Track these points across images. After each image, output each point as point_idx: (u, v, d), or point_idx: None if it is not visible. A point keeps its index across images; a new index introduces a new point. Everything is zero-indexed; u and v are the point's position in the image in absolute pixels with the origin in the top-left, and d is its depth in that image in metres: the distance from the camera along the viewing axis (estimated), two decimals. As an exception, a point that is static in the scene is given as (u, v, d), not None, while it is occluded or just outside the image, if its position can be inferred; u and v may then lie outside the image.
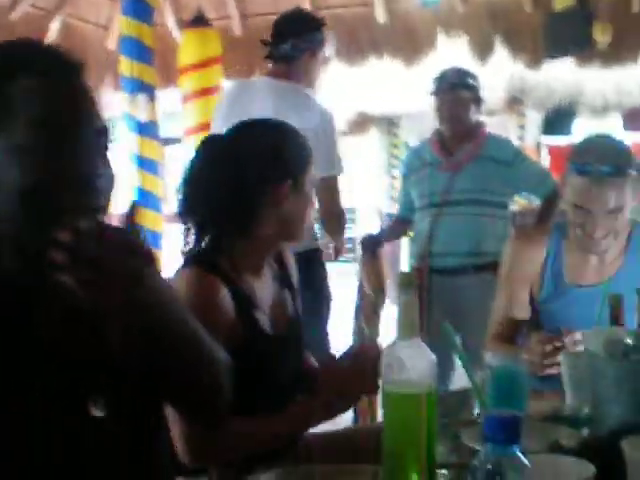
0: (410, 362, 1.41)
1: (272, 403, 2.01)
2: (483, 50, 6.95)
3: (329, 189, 3.64)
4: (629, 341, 1.67)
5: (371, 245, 4.52)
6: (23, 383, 1.33)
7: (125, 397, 1.41)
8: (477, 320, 3.17)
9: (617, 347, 1.67)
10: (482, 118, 4.59)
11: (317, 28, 3.89)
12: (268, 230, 2.11)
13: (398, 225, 4.89)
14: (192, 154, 2.18)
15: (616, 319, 1.97)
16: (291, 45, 3.76)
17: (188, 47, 6.61)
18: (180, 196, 2.15)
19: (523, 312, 2.72)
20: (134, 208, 1.48)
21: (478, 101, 4.39)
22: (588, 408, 1.74)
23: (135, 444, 1.44)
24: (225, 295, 2.00)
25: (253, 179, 2.07)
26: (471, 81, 4.37)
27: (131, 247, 1.29)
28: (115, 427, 1.39)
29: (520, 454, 0.99)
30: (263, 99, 3.67)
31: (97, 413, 1.37)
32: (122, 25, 6.43)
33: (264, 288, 2.16)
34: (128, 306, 1.29)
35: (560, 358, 2.03)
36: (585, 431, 1.69)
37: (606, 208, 2.40)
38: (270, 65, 3.98)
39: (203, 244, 2.13)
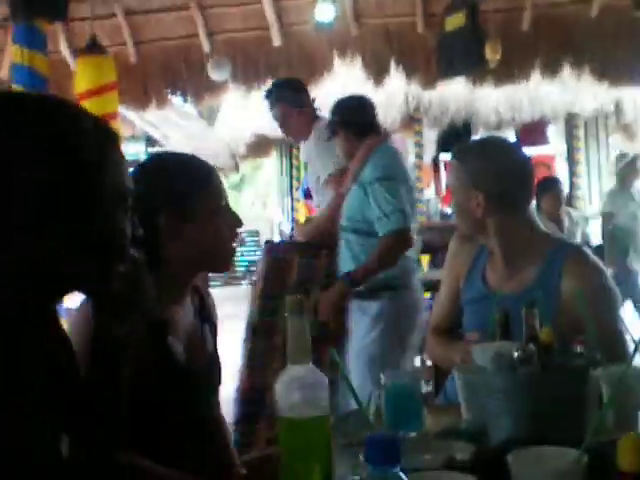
0: (304, 386, 1.45)
1: (175, 439, 1.97)
2: (378, 71, 7.06)
3: None
4: (516, 355, 1.71)
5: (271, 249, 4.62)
6: None
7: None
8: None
9: (505, 361, 1.71)
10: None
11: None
12: (177, 260, 2.08)
13: None
14: None
15: (504, 331, 2.00)
16: None
17: (83, 74, 6.52)
18: None
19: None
20: None
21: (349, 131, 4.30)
22: (481, 421, 1.77)
23: None
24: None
25: (146, 211, 2.05)
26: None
27: None
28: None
29: (401, 474, 1.01)
30: None
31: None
32: (14, 54, 6.32)
33: (184, 319, 2.13)
34: None
35: (454, 372, 2.05)
36: (478, 444, 1.71)
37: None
38: None
39: None
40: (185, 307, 2.15)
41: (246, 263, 15.26)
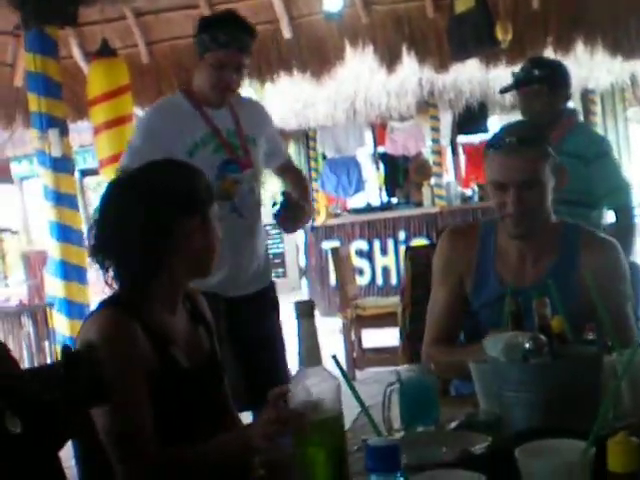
0: (317, 388, 1.50)
1: (192, 436, 2.03)
2: (390, 58, 7.05)
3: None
4: (527, 345, 1.71)
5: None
6: None
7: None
8: None
9: (516, 352, 1.72)
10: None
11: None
12: (180, 266, 2.15)
13: None
14: (103, 194, 2.20)
15: (517, 323, 2.00)
16: None
17: (96, 78, 6.57)
18: (92, 239, 2.16)
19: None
20: None
21: (553, 91, 4.12)
22: (497, 412, 1.78)
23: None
24: (139, 335, 2.04)
25: (163, 215, 2.10)
26: (540, 72, 4.14)
27: None
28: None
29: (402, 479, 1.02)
30: None
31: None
32: (27, 62, 6.37)
33: (179, 325, 2.20)
34: None
35: (470, 365, 2.05)
36: (495, 435, 1.72)
37: (519, 178, 2.40)
38: None
39: (119, 284, 2.15)
40: (178, 313, 2.22)
41: (270, 256, 15.27)
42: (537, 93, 4.10)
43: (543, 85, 4.09)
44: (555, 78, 4.14)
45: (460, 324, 2.66)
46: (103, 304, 2.13)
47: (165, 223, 2.10)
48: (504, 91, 4.50)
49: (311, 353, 1.51)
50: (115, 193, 2.18)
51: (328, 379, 1.49)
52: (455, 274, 2.63)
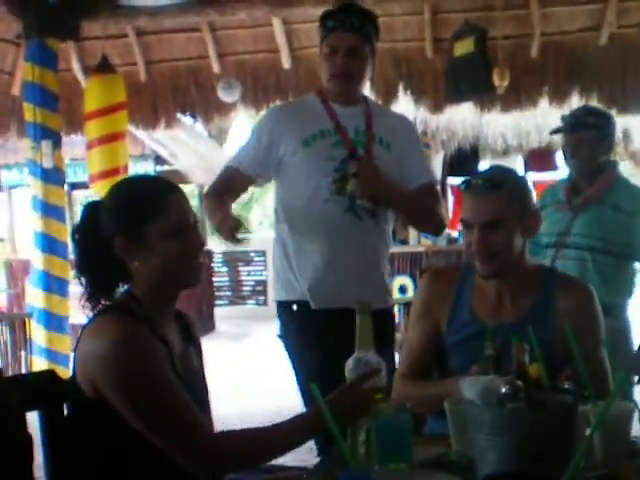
0: (368, 365, 2.04)
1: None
2: (387, 95, 7.09)
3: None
4: (504, 390, 1.72)
5: None
6: None
7: None
8: None
9: (493, 395, 1.73)
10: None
11: None
12: (141, 281, 2.14)
13: None
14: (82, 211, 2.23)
15: (496, 366, 2.02)
16: None
17: (93, 93, 6.61)
18: (74, 255, 2.20)
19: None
20: None
21: (604, 141, 4.10)
22: (469, 454, 1.78)
23: None
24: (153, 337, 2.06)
25: (103, 233, 2.12)
26: (595, 120, 4.11)
27: None
28: None
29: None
30: None
31: None
32: (25, 71, 6.40)
33: (173, 338, 2.20)
34: None
35: (444, 404, 2.06)
36: (466, 477, 1.73)
37: (483, 219, 2.46)
38: None
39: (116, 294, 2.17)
40: (171, 329, 2.22)
41: (252, 283, 15.18)
42: (589, 140, 4.04)
43: (595, 132, 4.05)
44: (606, 128, 4.13)
45: (433, 363, 2.69)
46: (101, 312, 2.12)
47: (105, 241, 2.11)
48: (554, 132, 4.48)
49: (365, 341, 2.03)
50: (86, 214, 2.22)
51: (377, 359, 2.03)
52: (431, 315, 2.68)
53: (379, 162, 3.33)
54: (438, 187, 3.54)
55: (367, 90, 7.04)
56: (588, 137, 4.01)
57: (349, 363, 2.05)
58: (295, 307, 3.36)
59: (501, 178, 2.51)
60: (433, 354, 2.68)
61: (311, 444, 2.78)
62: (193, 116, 7.73)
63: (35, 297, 6.52)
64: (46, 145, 6.21)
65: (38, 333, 6.44)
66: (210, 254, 13.04)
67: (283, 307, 3.43)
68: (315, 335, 3.29)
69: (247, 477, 2.30)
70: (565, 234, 4.03)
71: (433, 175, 3.54)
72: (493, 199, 2.46)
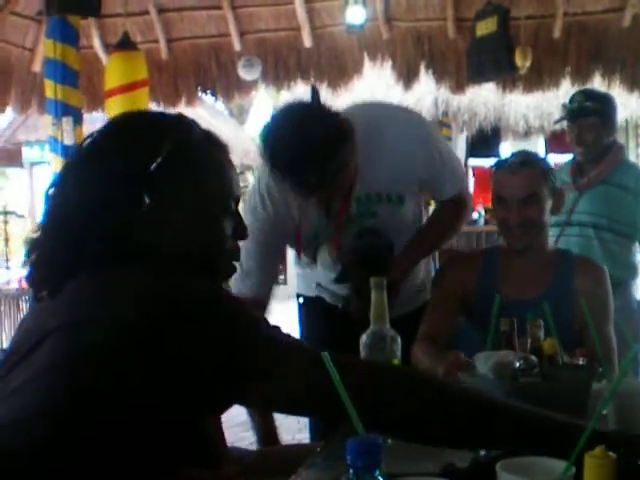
0: (383, 338, 2.08)
1: None
2: (408, 75, 7.07)
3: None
4: (518, 365, 1.72)
5: None
6: None
7: None
8: None
9: (506, 370, 1.73)
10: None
11: None
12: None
13: None
14: None
15: (509, 342, 2.02)
16: None
17: (114, 70, 6.59)
18: None
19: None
20: None
21: (606, 124, 4.16)
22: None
23: None
24: None
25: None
26: (594, 105, 4.16)
27: None
28: None
29: (380, 478, 1.03)
30: None
31: None
32: (47, 48, 6.39)
33: None
34: None
35: (459, 377, 2.07)
36: (480, 452, 1.73)
37: (518, 195, 2.64)
38: None
39: None
40: None
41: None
42: (592, 126, 4.11)
43: (597, 118, 4.11)
44: (607, 111, 4.17)
45: (448, 336, 2.77)
46: None
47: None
48: (558, 122, 4.52)
49: (380, 315, 2.08)
50: None
51: (391, 332, 2.08)
52: (455, 290, 2.81)
53: (390, 221, 2.92)
54: (464, 194, 3.10)
55: (388, 71, 7.08)
56: (591, 123, 4.10)
57: (364, 337, 2.10)
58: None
59: (534, 157, 2.74)
60: (451, 327, 2.80)
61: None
62: (214, 94, 7.70)
63: (55, 273, 6.55)
64: (67, 122, 6.20)
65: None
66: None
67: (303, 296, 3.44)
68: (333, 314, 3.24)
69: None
70: (570, 212, 4.09)
71: (458, 184, 3.04)
72: (529, 175, 2.65)
